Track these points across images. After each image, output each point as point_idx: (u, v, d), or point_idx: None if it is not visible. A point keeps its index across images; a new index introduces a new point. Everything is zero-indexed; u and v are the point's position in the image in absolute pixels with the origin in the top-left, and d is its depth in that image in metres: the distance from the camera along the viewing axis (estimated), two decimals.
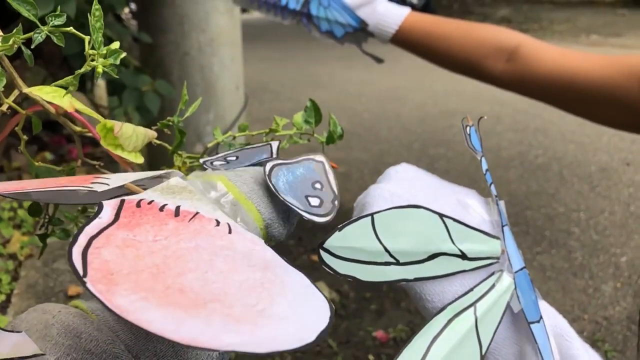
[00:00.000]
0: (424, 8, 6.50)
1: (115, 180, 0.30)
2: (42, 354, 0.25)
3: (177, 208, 0.27)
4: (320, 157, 0.39)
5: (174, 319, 0.20)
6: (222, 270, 0.24)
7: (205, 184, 0.33)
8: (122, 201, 0.27)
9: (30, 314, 0.27)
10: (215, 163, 0.39)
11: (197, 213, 0.27)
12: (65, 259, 1.65)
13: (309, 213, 0.34)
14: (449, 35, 0.79)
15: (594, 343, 1.44)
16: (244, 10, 1.15)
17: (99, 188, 0.29)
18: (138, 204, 0.27)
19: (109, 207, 0.26)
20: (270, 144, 0.40)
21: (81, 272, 0.21)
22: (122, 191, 0.30)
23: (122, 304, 0.20)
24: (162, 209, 0.27)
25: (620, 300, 1.62)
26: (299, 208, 0.34)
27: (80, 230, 0.24)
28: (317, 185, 0.37)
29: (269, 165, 0.36)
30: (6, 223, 1.77)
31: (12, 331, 0.26)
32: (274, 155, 0.39)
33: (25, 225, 1.80)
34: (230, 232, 0.27)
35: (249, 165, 0.38)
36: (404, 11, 0.81)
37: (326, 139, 0.43)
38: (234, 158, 0.39)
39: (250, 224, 0.33)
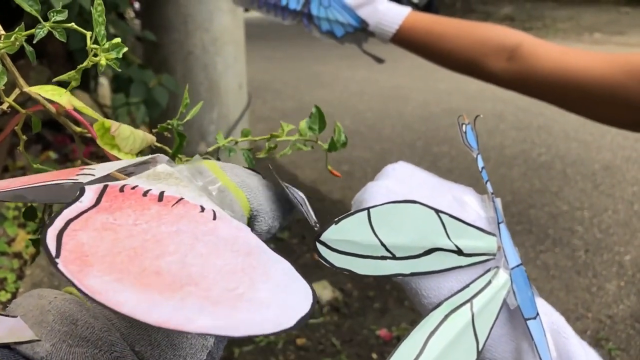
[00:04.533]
0: (427, 7, 6.49)
1: (101, 169, 0.30)
2: (38, 340, 0.25)
3: (161, 193, 0.27)
4: (301, 194, 0.40)
5: (147, 300, 0.20)
6: (202, 253, 0.23)
7: (193, 169, 0.33)
8: (105, 186, 0.27)
9: (26, 299, 0.27)
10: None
11: (181, 199, 0.27)
12: None
13: (301, 206, 0.35)
14: (449, 35, 0.79)
15: (597, 342, 1.44)
16: (246, 10, 1.15)
17: (84, 179, 0.28)
18: (121, 189, 0.27)
19: (91, 192, 0.26)
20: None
21: (54, 253, 0.21)
22: (108, 180, 0.30)
23: (93, 284, 0.20)
24: (145, 194, 0.27)
25: (624, 299, 1.61)
26: (295, 200, 0.34)
27: (58, 213, 0.23)
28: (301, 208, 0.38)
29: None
30: (11, 222, 1.78)
31: (7, 315, 0.26)
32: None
33: (30, 224, 1.80)
34: (215, 218, 0.26)
35: None
36: (405, 11, 0.81)
37: (328, 146, 0.43)
38: None
39: (237, 212, 0.33)
